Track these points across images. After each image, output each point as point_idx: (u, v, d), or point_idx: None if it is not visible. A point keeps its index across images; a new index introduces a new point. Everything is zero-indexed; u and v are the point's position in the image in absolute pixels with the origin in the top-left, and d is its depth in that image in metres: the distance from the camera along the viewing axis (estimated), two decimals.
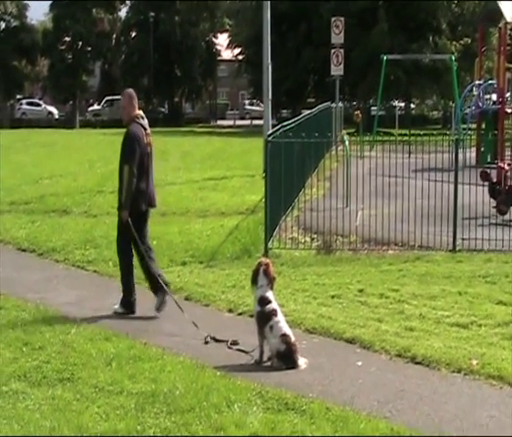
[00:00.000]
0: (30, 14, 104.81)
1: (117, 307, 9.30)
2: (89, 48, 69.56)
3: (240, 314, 9.20)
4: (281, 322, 7.52)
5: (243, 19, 61.92)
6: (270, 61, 22.57)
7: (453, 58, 35.67)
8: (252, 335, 7.68)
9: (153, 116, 66.34)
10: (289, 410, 6.28)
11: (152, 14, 66.74)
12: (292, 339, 7.45)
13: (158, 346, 7.90)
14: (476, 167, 20.10)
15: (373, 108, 52.79)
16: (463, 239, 12.67)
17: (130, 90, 9.60)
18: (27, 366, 7.22)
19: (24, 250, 13.21)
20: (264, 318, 7.51)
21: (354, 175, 15.62)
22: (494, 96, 28.23)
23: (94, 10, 69.03)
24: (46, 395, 6.57)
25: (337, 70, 32.01)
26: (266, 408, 6.31)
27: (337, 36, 31.89)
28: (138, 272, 9.50)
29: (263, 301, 7.58)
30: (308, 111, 24.38)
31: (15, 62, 71.07)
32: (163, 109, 73.88)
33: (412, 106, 64.74)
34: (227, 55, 73.08)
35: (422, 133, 20.37)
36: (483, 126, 27.07)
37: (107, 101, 69.44)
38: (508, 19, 25.28)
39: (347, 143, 18.15)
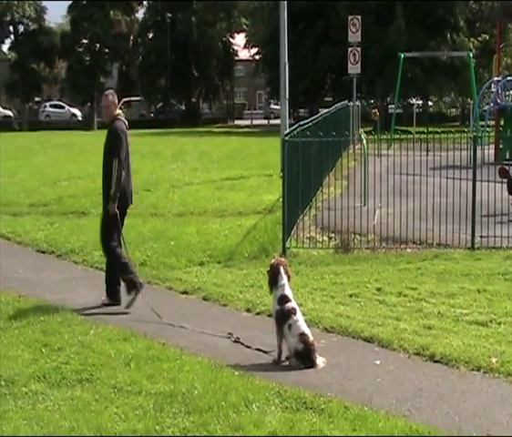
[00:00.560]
0: (48, 16, 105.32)
1: (127, 299, 9.58)
2: (107, 50, 69.74)
3: (258, 314, 9.20)
4: (300, 321, 7.51)
5: (260, 19, 62.10)
6: (287, 60, 22.55)
7: (471, 55, 35.55)
8: (271, 335, 7.68)
9: (171, 116, 66.88)
10: (307, 409, 6.28)
11: (169, 14, 66.84)
12: (311, 338, 7.43)
13: (176, 346, 7.91)
14: (494, 164, 19.98)
15: (390, 106, 52.65)
16: (481, 237, 12.60)
17: (112, 90, 10.12)
18: (47, 367, 7.25)
19: (43, 252, 13.32)
20: (283, 316, 7.50)
21: (372, 173, 15.57)
22: None
23: (111, 12, 69.26)
24: (65, 396, 6.60)
25: (354, 69, 31.91)
26: (284, 407, 6.31)
27: (354, 35, 31.77)
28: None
29: (283, 300, 7.58)
30: (325, 110, 24.31)
31: (33, 64, 71.78)
32: (181, 109, 73.95)
33: (430, 103, 64.58)
34: (244, 54, 73.24)
35: (440, 130, 20.23)
36: (501, 122, 26.94)
37: (124, 102, 69.62)
38: None
39: (364, 141, 18.09)
